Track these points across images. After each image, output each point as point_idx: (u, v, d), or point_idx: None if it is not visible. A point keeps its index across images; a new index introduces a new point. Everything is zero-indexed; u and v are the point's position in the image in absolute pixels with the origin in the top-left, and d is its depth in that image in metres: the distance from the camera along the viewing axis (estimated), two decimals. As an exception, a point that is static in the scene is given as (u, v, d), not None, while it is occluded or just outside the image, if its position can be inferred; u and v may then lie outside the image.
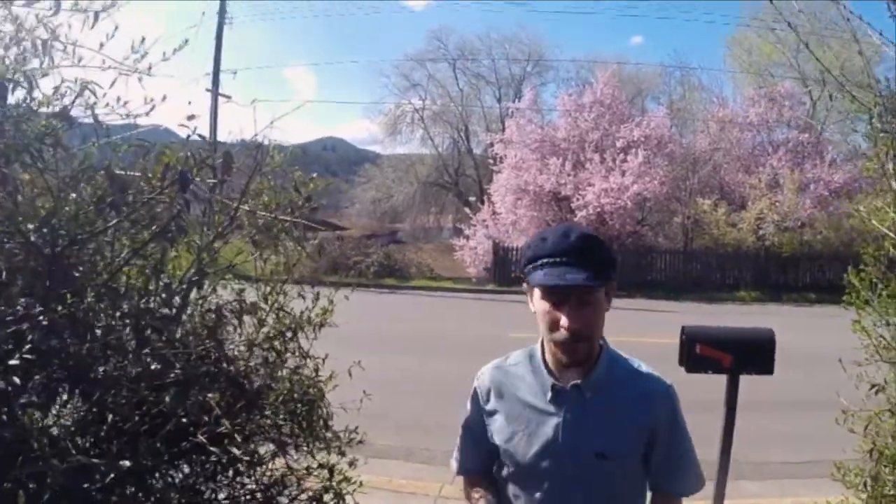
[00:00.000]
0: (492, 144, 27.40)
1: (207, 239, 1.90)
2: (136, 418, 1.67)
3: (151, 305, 1.92)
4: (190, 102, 2.11)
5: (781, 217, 22.63)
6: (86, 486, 1.51)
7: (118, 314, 1.81)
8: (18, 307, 1.56)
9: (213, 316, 1.92)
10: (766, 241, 22.73)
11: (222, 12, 23.32)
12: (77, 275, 1.70)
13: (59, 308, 1.57)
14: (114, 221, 1.68)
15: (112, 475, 1.51)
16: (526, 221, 24.26)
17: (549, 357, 1.75)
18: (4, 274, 1.66)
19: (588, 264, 1.59)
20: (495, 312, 16.80)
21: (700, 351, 3.36)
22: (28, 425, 1.36)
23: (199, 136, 1.80)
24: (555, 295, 1.61)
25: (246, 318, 2.19)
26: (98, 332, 1.75)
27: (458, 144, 39.45)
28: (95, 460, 1.51)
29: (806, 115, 25.93)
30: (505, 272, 23.05)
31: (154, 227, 1.75)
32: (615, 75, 26.74)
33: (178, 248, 1.90)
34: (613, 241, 23.50)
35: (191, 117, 1.83)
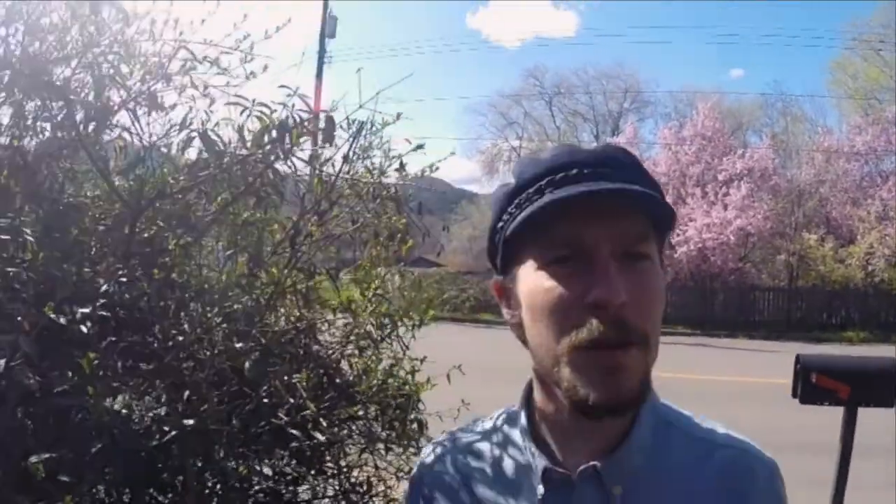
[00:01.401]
0: (591, 182, 27.03)
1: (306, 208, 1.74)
2: (216, 400, 1.52)
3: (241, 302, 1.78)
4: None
5: (893, 251, 21.24)
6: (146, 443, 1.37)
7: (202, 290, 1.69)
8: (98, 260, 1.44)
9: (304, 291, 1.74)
10: (875, 278, 21.35)
11: (321, 52, 23.99)
12: (161, 229, 1.57)
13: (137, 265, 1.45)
14: (203, 174, 1.54)
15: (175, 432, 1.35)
16: (625, 258, 23.71)
17: (546, 409, 0.89)
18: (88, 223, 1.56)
19: (634, 177, 0.82)
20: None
21: (816, 381, 3.06)
22: (87, 370, 1.21)
23: (301, 95, 1.64)
24: (567, 241, 0.79)
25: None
26: (173, 304, 1.64)
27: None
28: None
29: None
30: (604, 310, 22.52)
31: (244, 187, 1.60)
32: (716, 107, 25.97)
33: (271, 219, 1.76)
34: (715, 279, 22.61)
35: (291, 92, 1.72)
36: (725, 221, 21.89)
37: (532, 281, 0.82)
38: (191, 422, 1.39)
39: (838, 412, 3.10)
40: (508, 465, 0.91)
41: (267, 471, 1.83)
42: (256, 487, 1.68)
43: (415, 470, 1.04)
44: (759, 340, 18.31)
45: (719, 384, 10.83)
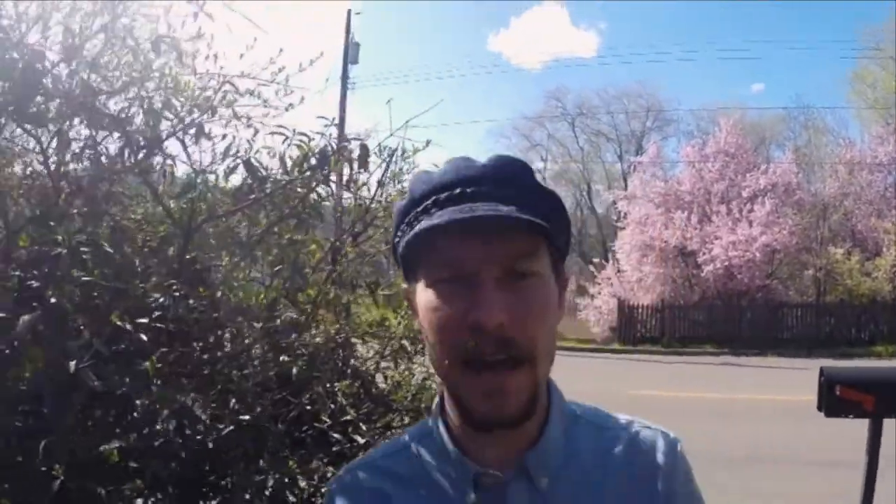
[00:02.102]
0: (614, 202, 27.01)
1: (341, 232, 1.86)
2: (259, 409, 1.63)
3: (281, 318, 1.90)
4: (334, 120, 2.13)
5: (919, 262, 20.75)
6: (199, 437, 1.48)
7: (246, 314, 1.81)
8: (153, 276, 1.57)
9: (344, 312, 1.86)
10: (903, 290, 20.84)
11: (345, 78, 24.34)
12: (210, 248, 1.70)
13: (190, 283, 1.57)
14: (251, 199, 1.66)
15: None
16: (652, 279, 23.53)
17: (453, 422, 0.89)
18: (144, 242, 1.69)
19: (517, 197, 0.82)
20: (616, 371, 16.26)
21: (840, 393, 3.07)
22: (146, 374, 1.34)
23: (336, 124, 1.77)
24: (451, 262, 0.80)
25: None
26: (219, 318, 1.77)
27: (581, 203, 39.19)
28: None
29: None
30: (630, 331, 22.33)
31: (287, 210, 1.72)
32: (738, 123, 25.83)
33: (311, 240, 1.88)
34: (742, 297, 22.37)
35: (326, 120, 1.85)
36: (751, 238, 21.67)
37: (423, 298, 0.83)
38: (246, 417, 1.50)
39: (867, 427, 3.10)
40: (428, 479, 0.89)
41: (303, 484, 1.94)
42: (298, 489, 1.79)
43: (331, 495, 0.96)
44: (787, 358, 18.08)
45: (747, 402, 10.74)
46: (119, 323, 1.39)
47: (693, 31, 54.88)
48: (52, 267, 1.41)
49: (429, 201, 0.84)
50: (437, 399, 0.93)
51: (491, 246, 0.79)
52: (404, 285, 0.91)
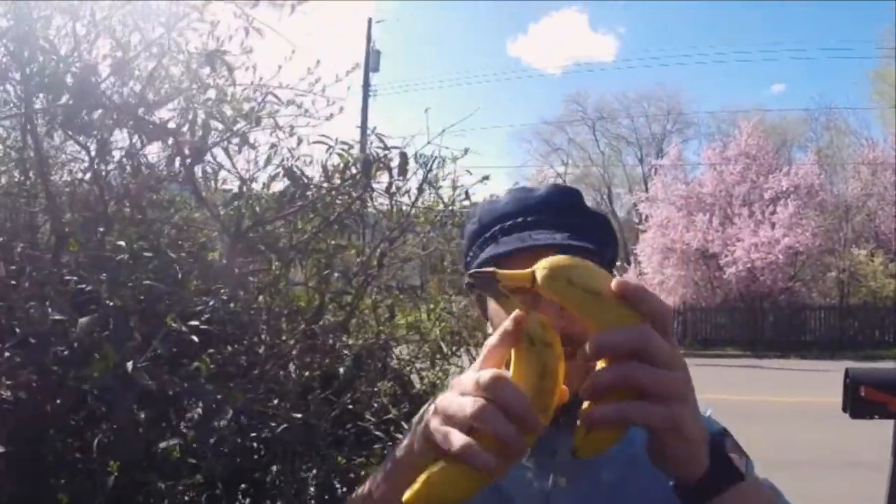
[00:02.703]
0: (635, 205, 26.94)
1: (381, 237, 1.93)
2: (304, 408, 1.70)
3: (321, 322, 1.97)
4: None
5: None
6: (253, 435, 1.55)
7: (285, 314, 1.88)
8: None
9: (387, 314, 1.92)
10: (927, 291, 20.60)
11: (366, 86, 24.46)
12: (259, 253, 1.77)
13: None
14: (297, 206, 1.73)
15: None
16: (674, 281, 23.49)
17: None
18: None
19: (570, 223, 0.99)
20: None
21: (865, 394, 3.07)
22: (197, 374, 1.40)
23: (378, 136, 1.83)
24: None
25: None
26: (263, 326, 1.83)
27: (602, 207, 38.98)
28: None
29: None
30: (652, 335, 22.29)
31: (332, 218, 1.79)
32: (759, 125, 25.65)
33: (353, 244, 1.95)
34: (765, 299, 22.21)
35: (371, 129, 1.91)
36: (773, 240, 21.55)
37: (493, 307, 1.01)
38: (299, 415, 1.57)
39: (892, 428, 3.12)
40: None
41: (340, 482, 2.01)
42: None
43: None
44: (811, 360, 17.95)
45: (768, 404, 10.70)
46: (173, 325, 1.46)
47: (713, 33, 54.60)
48: (112, 272, 1.48)
49: (496, 228, 1.01)
50: None
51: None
52: (473, 295, 1.08)
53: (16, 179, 2.16)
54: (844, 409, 3.08)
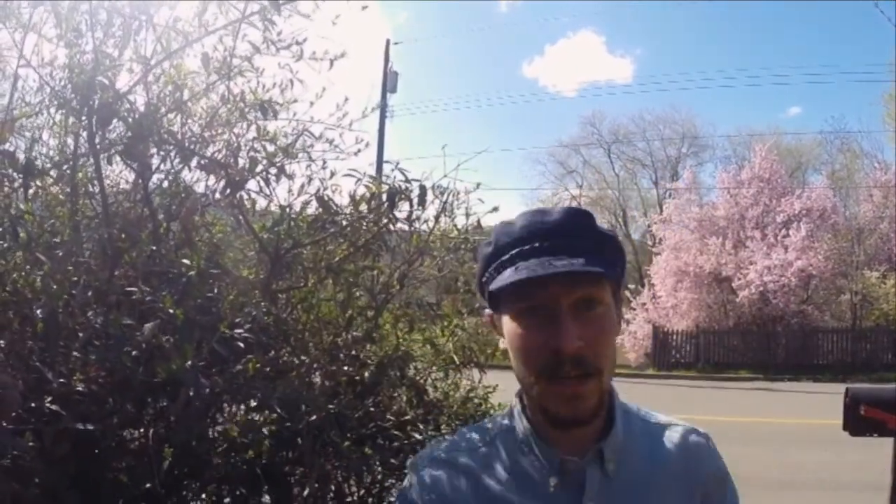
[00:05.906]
0: (650, 227, 27.00)
1: (403, 258, 2.19)
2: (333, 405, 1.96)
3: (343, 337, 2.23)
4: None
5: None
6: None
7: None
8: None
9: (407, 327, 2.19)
10: (940, 314, 20.49)
11: (383, 108, 24.74)
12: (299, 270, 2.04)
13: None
14: (330, 231, 2.00)
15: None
16: (687, 304, 23.54)
17: (534, 421, 1.11)
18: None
19: (583, 246, 1.04)
20: (650, 395, 16.26)
21: (865, 412, 3.15)
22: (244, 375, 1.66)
23: (400, 170, 2.10)
24: (534, 299, 1.02)
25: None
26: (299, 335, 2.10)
27: (616, 230, 38.61)
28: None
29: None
30: (665, 357, 22.38)
31: (360, 243, 2.06)
32: (774, 148, 25.73)
33: (375, 265, 2.21)
34: (778, 322, 22.18)
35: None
36: (786, 263, 21.56)
37: (510, 326, 1.06)
38: (332, 406, 1.82)
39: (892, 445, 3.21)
40: (516, 466, 1.10)
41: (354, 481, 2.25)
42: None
43: (416, 465, 1.17)
44: (823, 383, 17.93)
45: (780, 426, 10.78)
46: (226, 332, 1.73)
47: (729, 56, 54.75)
48: (179, 286, 1.75)
49: (514, 251, 1.05)
50: (515, 404, 1.16)
51: (565, 288, 1.01)
52: (488, 311, 1.16)
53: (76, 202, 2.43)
54: (845, 428, 3.23)
